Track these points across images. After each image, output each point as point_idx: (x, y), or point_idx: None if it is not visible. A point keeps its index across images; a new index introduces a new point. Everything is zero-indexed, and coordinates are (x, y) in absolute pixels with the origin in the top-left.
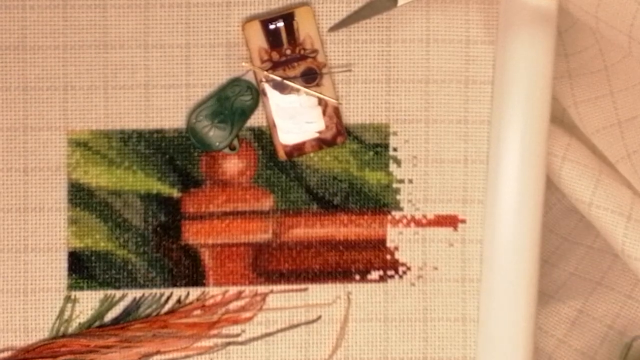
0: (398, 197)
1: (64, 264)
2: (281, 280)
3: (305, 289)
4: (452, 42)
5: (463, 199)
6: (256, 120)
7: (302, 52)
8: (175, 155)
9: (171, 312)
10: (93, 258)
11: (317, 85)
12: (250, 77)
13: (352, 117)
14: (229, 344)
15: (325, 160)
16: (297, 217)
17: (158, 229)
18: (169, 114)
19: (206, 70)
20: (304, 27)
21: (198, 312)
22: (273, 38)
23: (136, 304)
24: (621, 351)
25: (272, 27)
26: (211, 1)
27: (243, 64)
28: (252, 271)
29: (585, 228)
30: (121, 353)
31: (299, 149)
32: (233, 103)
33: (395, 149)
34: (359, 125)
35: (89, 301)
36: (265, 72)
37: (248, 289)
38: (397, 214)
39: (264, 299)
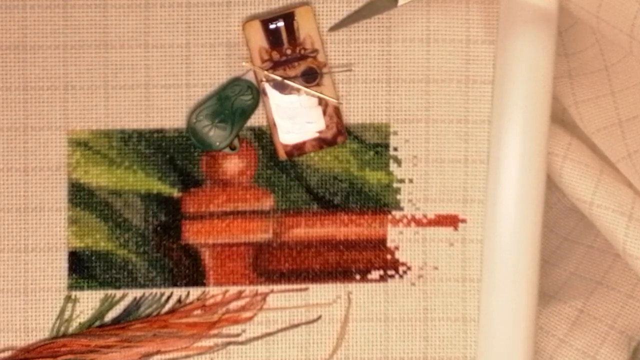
0: (398, 196)
1: (64, 264)
2: (281, 280)
3: (306, 289)
4: (452, 41)
5: (463, 199)
6: (256, 120)
7: (302, 51)
8: (176, 155)
9: (171, 311)
10: (93, 258)
11: (317, 85)
12: (250, 76)
13: (353, 116)
14: (229, 343)
15: (325, 160)
16: (297, 217)
17: (158, 228)
18: (169, 114)
19: (206, 70)
20: (304, 27)
21: (198, 311)
22: (273, 38)
23: (136, 303)
24: (629, 357)
25: (272, 26)
26: (211, 1)
27: (243, 63)
28: (253, 271)
29: (586, 228)
30: (121, 353)
31: (299, 149)
32: (233, 103)
33: (395, 149)
34: (359, 125)
35: (89, 301)
36: (266, 72)
37: (248, 289)
38: (397, 214)
39: (264, 299)
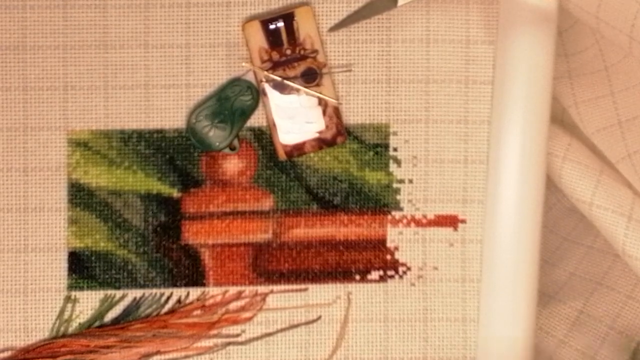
0: (398, 197)
1: (64, 264)
2: (281, 280)
3: (305, 289)
4: (452, 42)
5: (463, 199)
6: (256, 120)
7: (302, 52)
8: (175, 155)
9: (171, 312)
10: (93, 258)
11: (317, 85)
12: (250, 77)
13: (352, 117)
14: (229, 344)
15: (325, 160)
16: (297, 217)
17: (158, 229)
18: (169, 114)
19: (206, 70)
20: (304, 27)
21: (198, 312)
22: (273, 38)
23: (136, 304)
24: (629, 357)
25: (272, 27)
26: (211, 1)
27: (243, 64)
28: (252, 271)
29: (586, 228)
30: (121, 353)
31: (299, 149)
32: (233, 103)
33: (395, 149)
34: (359, 125)
35: (89, 301)
36: (265, 72)
37: (248, 289)
38: (397, 214)
39: (264, 299)
